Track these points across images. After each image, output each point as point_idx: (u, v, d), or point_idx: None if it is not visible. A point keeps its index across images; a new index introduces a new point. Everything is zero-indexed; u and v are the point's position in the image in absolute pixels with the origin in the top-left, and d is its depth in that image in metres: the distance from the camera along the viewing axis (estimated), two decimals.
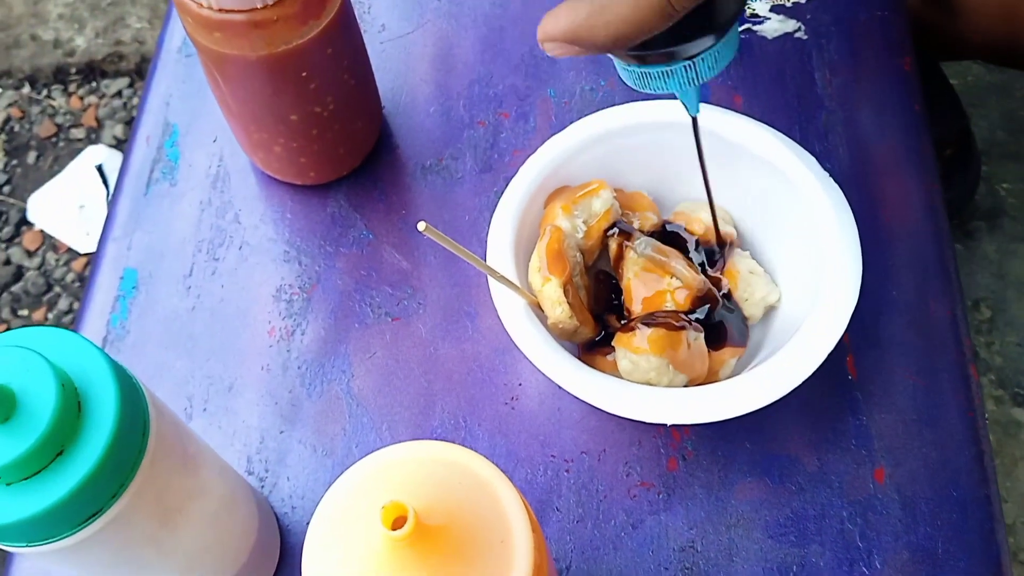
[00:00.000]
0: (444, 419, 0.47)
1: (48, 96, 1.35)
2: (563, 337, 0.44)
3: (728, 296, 0.46)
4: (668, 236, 0.47)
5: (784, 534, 0.44)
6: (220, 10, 0.42)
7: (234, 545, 0.40)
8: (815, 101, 0.55)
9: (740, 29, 0.57)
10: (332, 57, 0.46)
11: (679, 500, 0.45)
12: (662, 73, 0.36)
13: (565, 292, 0.43)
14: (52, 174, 1.28)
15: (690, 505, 0.45)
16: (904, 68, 0.56)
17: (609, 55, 0.37)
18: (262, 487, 0.47)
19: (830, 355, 0.41)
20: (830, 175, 0.45)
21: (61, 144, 1.31)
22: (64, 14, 1.40)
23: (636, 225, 0.47)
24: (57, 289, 1.21)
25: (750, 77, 0.56)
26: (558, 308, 0.43)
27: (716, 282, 0.46)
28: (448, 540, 0.28)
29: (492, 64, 0.57)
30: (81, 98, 1.34)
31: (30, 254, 1.23)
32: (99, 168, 1.28)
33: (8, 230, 1.25)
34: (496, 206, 0.46)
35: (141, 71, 1.36)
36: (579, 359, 0.43)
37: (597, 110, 0.48)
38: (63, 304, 1.19)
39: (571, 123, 0.48)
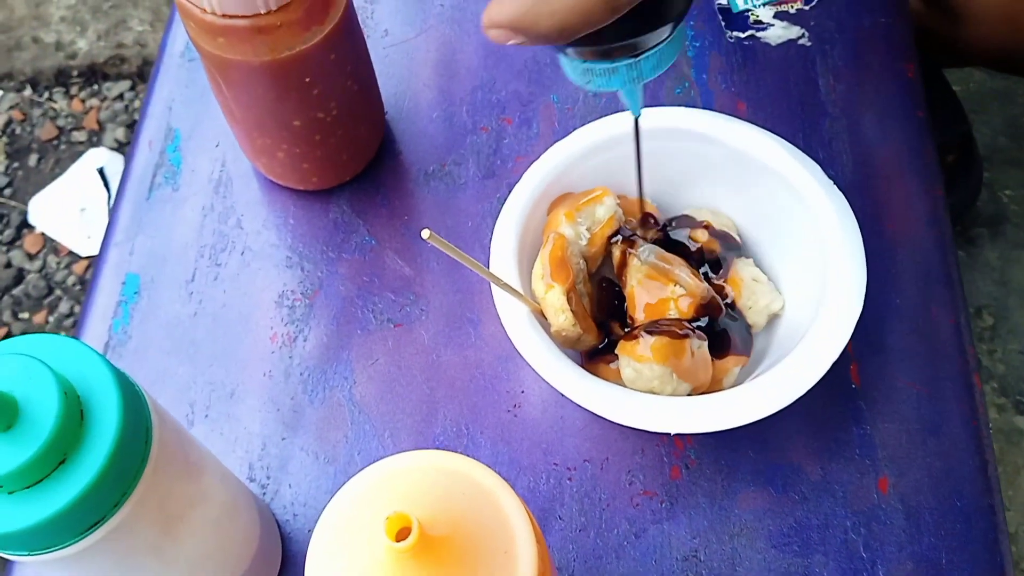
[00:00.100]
0: (446, 426, 0.47)
1: (50, 99, 1.35)
2: (566, 345, 0.44)
3: (732, 304, 0.46)
4: (672, 244, 0.47)
5: (787, 544, 0.44)
6: (223, 15, 0.42)
7: (236, 553, 0.40)
8: (819, 108, 0.55)
9: (744, 36, 0.57)
10: (335, 63, 0.46)
11: (682, 509, 0.45)
12: (605, 70, 0.36)
13: (568, 299, 0.43)
14: (53, 177, 1.28)
15: (693, 514, 0.45)
16: (907, 74, 0.56)
17: (554, 51, 0.37)
18: (264, 494, 0.46)
19: (834, 363, 0.41)
20: (833, 182, 0.45)
21: (62, 147, 1.31)
22: (66, 16, 1.40)
23: (639, 231, 0.47)
24: (58, 292, 1.21)
25: (754, 83, 0.56)
26: (561, 316, 0.43)
27: (720, 290, 0.46)
28: (451, 551, 0.28)
29: (495, 69, 0.57)
30: (83, 101, 1.34)
31: (31, 257, 1.23)
32: (100, 171, 1.28)
33: (9, 233, 1.25)
34: (499, 212, 0.46)
35: (143, 74, 1.36)
36: (582, 367, 0.43)
37: (600, 116, 0.48)
38: (64, 307, 1.19)
39: (574, 129, 0.48)
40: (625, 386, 0.43)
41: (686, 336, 0.42)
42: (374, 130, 0.53)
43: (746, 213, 0.49)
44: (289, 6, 0.42)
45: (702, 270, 0.47)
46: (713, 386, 0.44)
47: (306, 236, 0.53)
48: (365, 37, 0.50)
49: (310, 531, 0.45)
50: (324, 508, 0.30)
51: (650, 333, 0.42)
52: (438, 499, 0.29)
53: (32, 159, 1.30)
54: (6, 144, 1.31)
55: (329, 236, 0.53)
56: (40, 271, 1.22)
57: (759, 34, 0.58)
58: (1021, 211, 1.08)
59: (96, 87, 1.35)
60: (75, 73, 1.36)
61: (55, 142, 1.31)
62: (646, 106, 0.47)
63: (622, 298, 0.46)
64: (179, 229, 0.53)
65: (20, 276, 1.22)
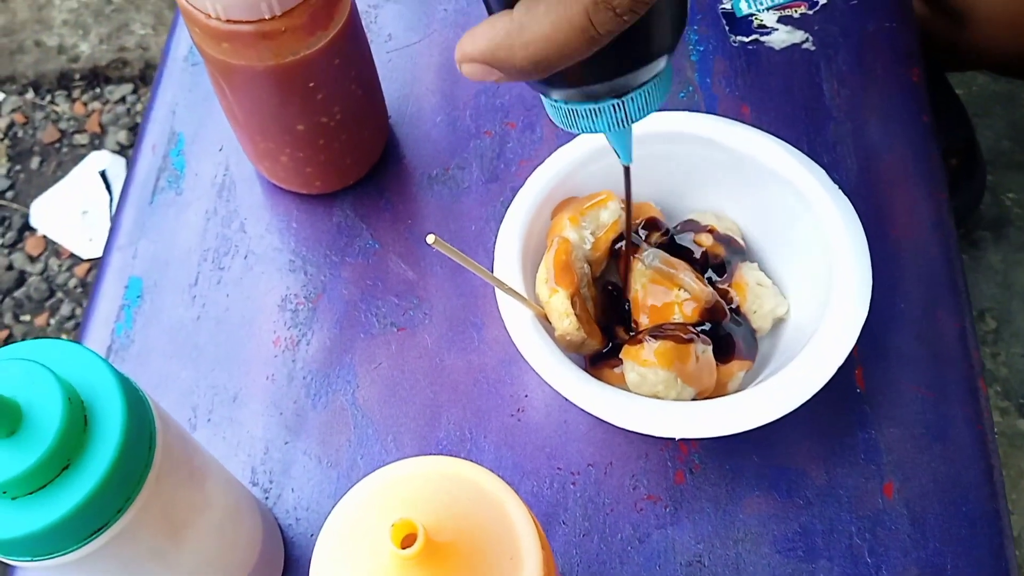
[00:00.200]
0: (450, 430, 0.47)
1: (52, 102, 1.35)
2: (570, 349, 0.44)
3: (736, 309, 0.46)
4: (676, 248, 0.47)
5: (792, 549, 0.44)
6: (228, 21, 0.41)
7: (239, 558, 0.40)
8: (823, 112, 0.55)
9: (748, 40, 0.57)
10: (339, 67, 0.46)
11: (686, 514, 0.45)
12: (589, 111, 0.34)
13: (572, 304, 0.42)
14: (55, 180, 1.28)
15: (697, 519, 0.44)
16: (912, 79, 0.56)
17: (535, 90, 0.35)
18: (266, 498, 0.46)
19: (839, 368, 0.41)
20: (838, 186, 0.45)
21: (64, 150, 1.31)
22: (68, 20, 1.40)
23: (643, 236, 0.47)
24: (59, 295, 1.21)
25: (758, 88, 0.56)
26: (565, 320, 0.42)
27: (724, 294, 0.46)
28: (457, 558, 0.28)
29: None
30: (85, 104, 1.34)
31: (32, 259, 1.23)
32: (102, 174, 1.28)
33: (11, 235, 1.25)
34: (502, 216, 0.46)
35: (145, 77, 1.36)
36: (586, 371, 0.43)
37: None
38: (65, 310, 1.19)
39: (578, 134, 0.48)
40: (629, 391, 0.43)
41: (691, 340, 0.42)
42: (377, 134, 0.53)
43: (750, 217, 0.48)
44: (293, 11, 0.42)
45: (706, 274, 0.47)
46: (718, 391, 0.44)
47: (309, 240, 0.53)
48: (369, 42, 0.50)
49: (312, 536, 0.45)
50: (327, 513, 0.30)
51: (655, 337, 0.42)
52: (443, 505, 0.29)
53: (34, 162, 1.30)
54: (8, 147, 1.31)
55: (332, 240, 0.53)
56: (41, 274, 1.22)
57: (763, 38, 0.57)
58: None
59: (98, 90, 1.35)
60: (77, 76, 1.36)
61: (57, 145, 1.31)
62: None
63: (626, 302, 0.46)
64: (182, 233, 0.53)
65: (22, 278, 1.22)
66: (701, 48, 0.57)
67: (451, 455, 0.34)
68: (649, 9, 0.29)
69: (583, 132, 0.35)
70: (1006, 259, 1.05)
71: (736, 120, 0.47)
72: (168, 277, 0.52)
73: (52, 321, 1.19)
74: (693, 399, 0.43)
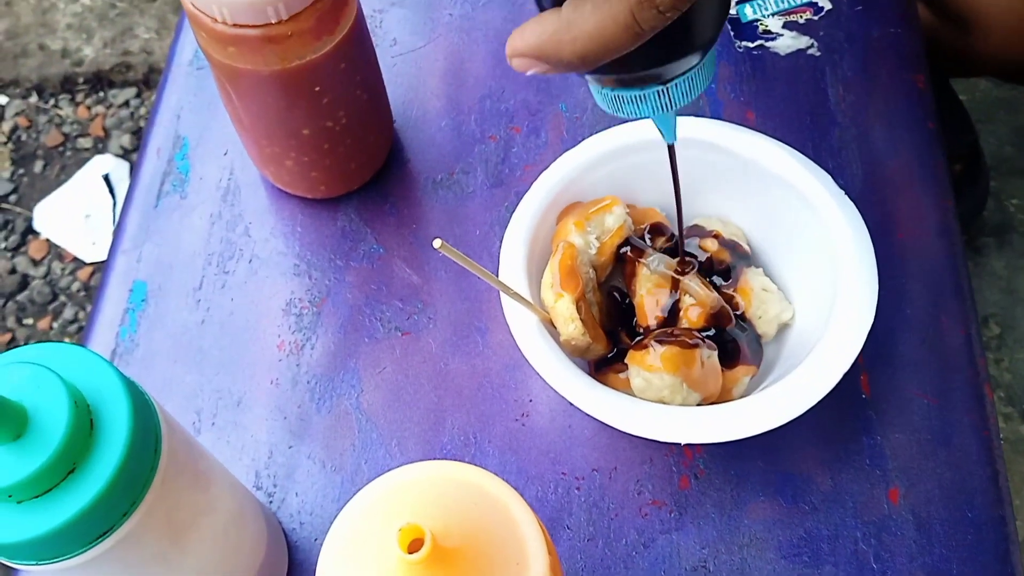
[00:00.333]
0: (454, 435, 0.47)
1: (55, 105, 1.35)
2: (575, 354, 0.44)
3: (742, 314, 0.46)
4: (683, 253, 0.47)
5: (797, 554, 0.44)
6: (234, 25, 0.42)
7: (243, 562, 0.40)
8: (828, 118, 0.55)
9: (753, 45, 0.57)
10: (345, 72, 0.46)
11: (691, 519, 0.44)
12: (634, 97, 0.35)
13: (578, 308, 0.42)
14: (59, 183, 1.28)
15: (702, 524, 0.44)
16: (917, 85, 0.56)
17: (585, 78, 0.36)
18: (270, 502, 0.46)
19: (844, 373, 0.41)
20: (844, 191, 0.45)
21: (68, 153, 1.31)
22: (72, 24, 1.40)
23: (648, 241, 0.47)
24: (63, 298, 1.21)
25: (763, 93, 0.56)
26: (571, 325, 0.42)
27: (729, 300, 0.46)
28: (464, 562, 0.27)
29: (503, 79, 0.57)
30: (88, 108, 1.34)
31: (36, 263, 1.23)
32: (106, 178, 1.28)
33: (14, 239, 1.25)
34: (507, 221, 0.46)
35: (149, 81, 1.36)
36: (591, 376, 0.43)
37: (608, 125, 0.48)
38: (68, 313, 1.19)
39: (583, 138, 0.48)
40: (634, 395, 0.43)
41: (696, 346, 0.42)
42: (382, 139, 0.53)
43: (756, 222, 0.48)
44: (300, 16, 0.42)
45: (712, 280, 0.46)
46: (723, 396, 0.44)
47: (314, 244, 0.53)
48: (374, 46, 0.50)
49: (316, 540, 0.45)
50: (331, 517, 0.30)
51: (660, 343, 0.42)
52: (450, 510, 0.29)
53: (37, 166, 1.30)
54: (12, 151, 1.32)
55: (337, 244, 0.53)
56: (45, 277, 1.22)
57: (768, 44, 0.57)
58: None
59: (102, 94, 1.36)
60: (81, 80, 1.36)
61: (60, 149, 1.31)
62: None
63: (631, 307, 0.46)
64: (187, 237, 0.53)
65: (25, 282, 1.22)
66: None
67: (455, 460, 0.34)
68: (692, 5, 0.30)
69: (629, 116, 0.36)
70: (1009, 265, 1.05)
71: (741, 125, 0.47)
72: (172, 281, 0.52)
73: (55, 325, 1.19)
74: (698, 404, 0.43)
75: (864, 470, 0.45)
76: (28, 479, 0.27)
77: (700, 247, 0.47)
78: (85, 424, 0.29)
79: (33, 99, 1.35)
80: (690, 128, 0.47)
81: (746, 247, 0.48)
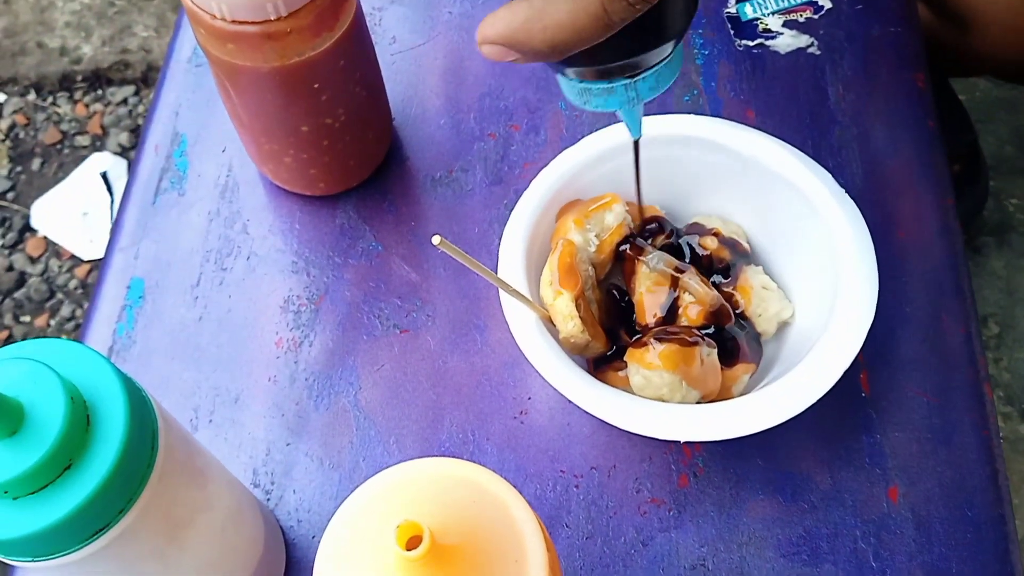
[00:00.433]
0: (452, 433, 0.47)
1: (53, 103, 1.35)
2: (574, 352, 0.44)
3: (741, 312, 0.46)
4: (680, 251, 0.47)
5: (796, 553, 0.43)
6: (233, 21, 0.41)
7: (240, 559, 0.40)
8: (828, 116, 0.54)
9: (753, 44, 0.57)
10: (344, 69, 0.46)
11: (690, 517, 0.44)
12: (602, 90, 0.36)
13: (577, 306, 0.42)
14: (56, 181, 1.28)
15: (701, 523, 0.44)
16: (917, 84, 0.55)
17: (551, 69, 0.36)
18: (268, 500, 0.46)
19: (844, 372, 0.41)
20: (844, 190, 0.45)
21: (66, 151, 1.31)
22: (71, 22, 1.40)
23: (648, 239, 0.47)
24: (60, 296, 1.21)
25: (763, 92, 0.56)
26: (570, 322, 0.42)
27: (729, 298, 0.46)
28: (462, 560, 0.27)
29: (503, 76, 0.57)
30: (87, 106, 1.34)
31: (33, 260, 1.23)
32: (103, 175, 1.28)
33: (11, 236, 1.25)
34: (506, 219, 0.46)
35: (147, 79, 1.36)
36: (590, 374, 0.43)
37: (607, 123, 0.48)
38: (65, 311, 1.19)
39: (582, 136, 0.48)
40: (633, 393, 0.42)
41: (695, 344, 0.42)
42: (381, 136, 0.53)
43: (755, 220, 0.48)
44: (299, 12, 0.42)
45: (711, 278, 0.46)
46: (722, 394, 0.44)
47: (312, 241, 0.53)
48: (373, 44, 0.50)
49: (314, 537, 0.45)
50: (328, 514, 0.30)
51: (659, 340, 0.42)
52: (448, 507, 0.29)
53: (35, 163, 1.30)
54: (10, 148, 1.31)
55: (335, 242, 0.52)
56: (42, 275, 1.22)
57: (768, 43, 0.57)
58: None
59: (100, 92, 1.35)
60: (79, 78, 1.36)
61: (59, 146, 1.31)
62: (655, 113, 0.47)
63: (631, 305, 0.46)
64: (185, 234, 0.53)
65: (22, 279, 1.22)
66: (706, 52, 0.57)
67: (454, 457, 0.34)
68: None
69: (596, 109, 0.36)
70: (1009, 264, 1.05)
71: (741, 124, 0.47)
72: (170, 278, 0.52)
73: (52, 322, 1.19)
74: (698, 402, 0.43)
75: (864, 469, 0.45)
76: (24, 475, 0.27)
77: (700, 245, 0.47)
78: (81, 420, 0.29)
79: (31, 97, 1.35)
80: (690, 126, 0.47)
81: (746, 245, 0.48)
